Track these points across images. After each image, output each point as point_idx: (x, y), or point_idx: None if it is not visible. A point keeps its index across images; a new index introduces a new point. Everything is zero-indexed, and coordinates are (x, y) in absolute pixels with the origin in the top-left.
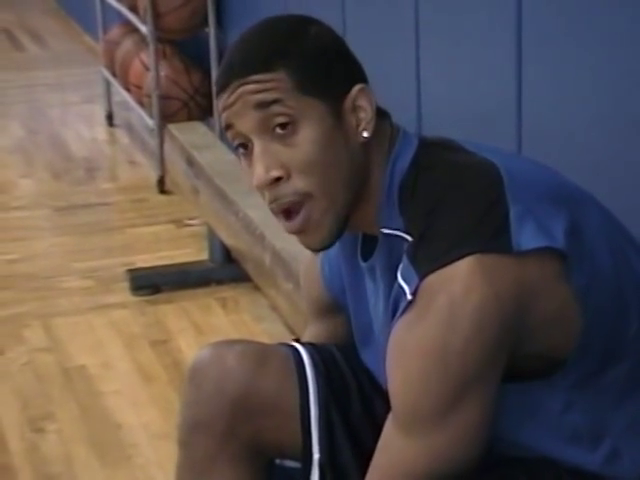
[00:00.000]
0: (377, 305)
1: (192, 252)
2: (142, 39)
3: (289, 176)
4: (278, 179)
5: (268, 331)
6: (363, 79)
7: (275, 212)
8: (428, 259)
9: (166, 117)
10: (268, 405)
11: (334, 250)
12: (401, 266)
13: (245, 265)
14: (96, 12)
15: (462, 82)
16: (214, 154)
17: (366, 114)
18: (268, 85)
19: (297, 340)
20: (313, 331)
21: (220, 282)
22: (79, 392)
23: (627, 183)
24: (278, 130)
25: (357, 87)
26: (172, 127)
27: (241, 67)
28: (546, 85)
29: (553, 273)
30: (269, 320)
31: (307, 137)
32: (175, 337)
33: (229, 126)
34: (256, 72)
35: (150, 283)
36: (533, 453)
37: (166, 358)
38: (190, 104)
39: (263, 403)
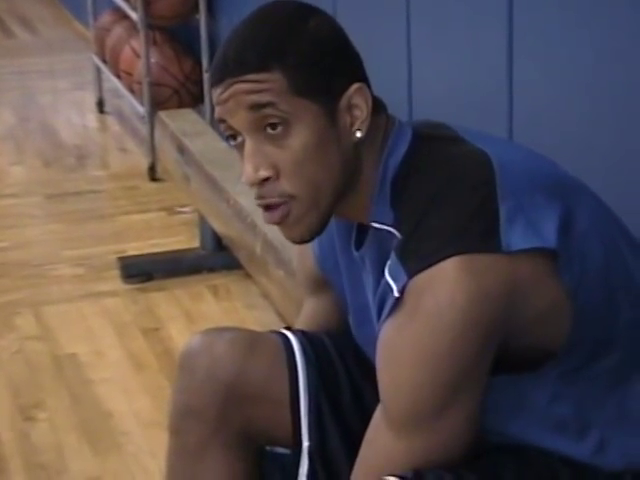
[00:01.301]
0: (369, 293)
1: (183, 240)
2: (133, 26)
3: (277, 177)
4: (266, 179)
5: (259, 319)
6: (361, 75)
7: (258, 205)
8: (416, 258)
9: (157, 104)
10: (258, 392)
11: (328, 231)
12: (389, 262)
13: (236, 253)
14: None
15: (453, 66)
16: (205, 141)
17: (361, 113)
18: (262, 86)
19: (288, 328)
20: (308, 307)
21: (212, 270)
22: (70, 380)
23: (621, 169)
24: (270, 130)
25: (354, 86)
26: (163, 114)
27: (235, 64)
28: (538, 69)
29: (544, 271)
30: (260, 308)
31: (299, 139)
32: (166, 325)
33: (222, 120)
34: (250, 71)
35: (141, 271)
36: (522, 443)
37: (157, 346)
38: (181, 91)
39: (253, 390)
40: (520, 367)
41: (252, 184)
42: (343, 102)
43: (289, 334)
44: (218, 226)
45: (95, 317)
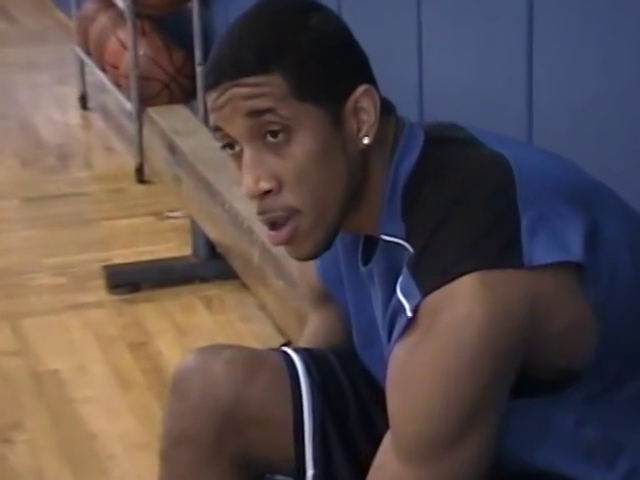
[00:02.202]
0: (377, 310)
1: (174, 247)
2: (119, 15)
3: (280, 189)
4: (268, 191)
5: (256, 332)
6: (368, 76)
7: (261, 221)
8: (431, 274)
9: (145, 100)
10: (258, 417)
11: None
12: (401, 279)
13: (231, 261)
14: None
15: (467, 63)
16: (198, 140)
17: (369, 117)
18: (261, 90)
19: (289, 344)
20: (313, 323)
21: (204, 279)
22: (51, 399)
23: None
24: (270, 138)
25: (361, 88)
26: (152, 111)
27: (232, 67)
28: (559, 67)
29: (568, 287)
30: (257, 321)
31: (302, 147)
32: (155, 339)
33: (217, 128)
34: (248, 74)
35: (128, 280)
36: (548, 472)
37: (145, 362)
38: (171, 86)
39: (253, 414)
40: (543, 389)
41: (253, 197)
42: (349, 105)
43: (292, 353)
44: (212, 232)
45: (78, 330)
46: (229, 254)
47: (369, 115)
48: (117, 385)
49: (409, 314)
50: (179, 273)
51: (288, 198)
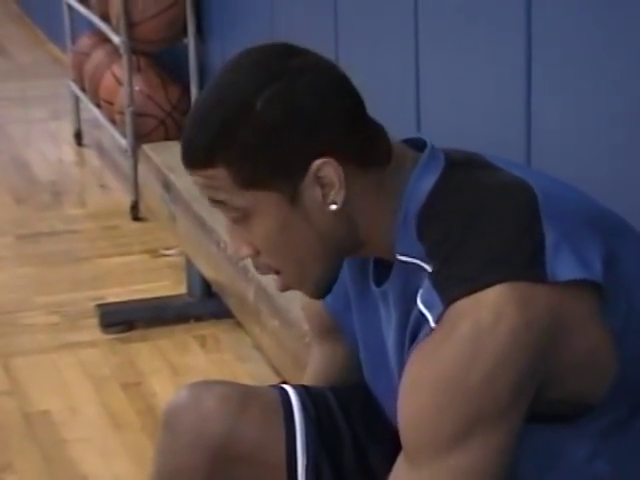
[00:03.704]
0: (388, 334)
1: (169, 285)
2: (114, 50)
3: (258, 253)
4: (250, 255)
5: (252, 372)
6: (332, 140)
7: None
8: (454, 284)
9: (140, 136)
10: (251, 453)
11: None
12: (421, 291)
13: (227, 300)
14: (64, 20)
15: (465, 93)
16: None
17: (332, 185)
18: (212, 183)
19: (285, 382)
20: (316, 357)
21: (199, 318)
22: (42, 440)
23: None
24: (235, 219)
25: (317, 163)
26: (147, 147)
27: (186, 158)
28: (559, 98)
29: (589, 308)
30: (253, 360)
31: (260, 229)
32: (149, 379)
33: None
34: (198, 168)
35: (122, 319)
36: None
37: (139, 402)
38: (167, 122)
39: (246, 450)
40: (558, 417)
41: (238, 260)
42: (308, 179)
43: (288, 388)
44: (207, 270)
45: (70, 370)
46: (224, 293)
47: (332, 183)
48: (110, 426)
49: (432, 325)
50: (174, 312)
51: (267, 261)
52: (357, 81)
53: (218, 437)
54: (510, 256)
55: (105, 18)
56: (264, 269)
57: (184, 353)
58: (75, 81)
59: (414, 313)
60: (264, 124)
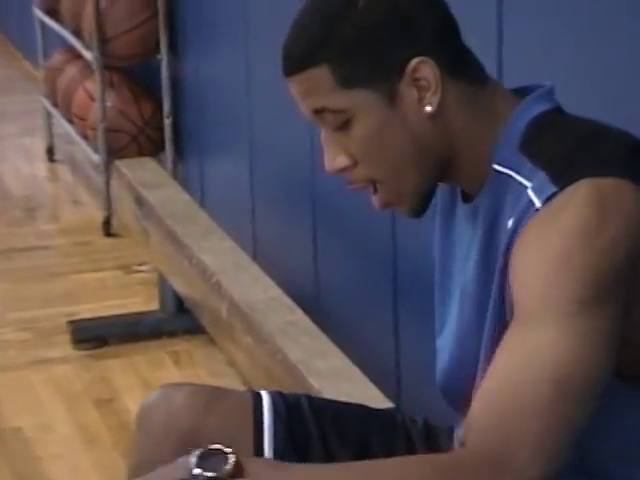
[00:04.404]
0: (469, 255)
1: (141, 301)
2: (87, 66)
3: (355, 164)
4: (346, 168)
5: (221, 387)
6: (431, 42)
7: (353, 190)
8: (568, 173)
9: (113, 152)
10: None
11: None
12: (530, 184)
13: (200, 316)
14: (36, 36)
15: None
16: (166, 193)
17: (428, 86)
18: (312, 85)
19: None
20: None
21: (172, 334)
22: (14, 457)
23: None
24: (334, 126)
25: (414, 61)
26: (120, 163)
27: (287, 62)
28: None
29: None
30: (226, 376)
31: (361, 129)
32: (122, 395)
33: None
34: (299, 70)
35: (95, 335)
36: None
37: (112, 419)
38: (140, 138)
39: (213, 444)
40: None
41: (332, 173)
42: (406, 79)
43: (262, 391)
44: (180, 286)
45: (43, 387)
46: (197, 309)
47: (428, 84)
48: (82, 443)
49: (538, 205)
50: (146, 328)
51: (364, 171)
52: None
53: (187, 429)
54: (628, 161)
55: (78, 34)
56: (360, 182)
57: (157, 369)
58: (48, 97)
59: (503, 225)
60: (365, 20)
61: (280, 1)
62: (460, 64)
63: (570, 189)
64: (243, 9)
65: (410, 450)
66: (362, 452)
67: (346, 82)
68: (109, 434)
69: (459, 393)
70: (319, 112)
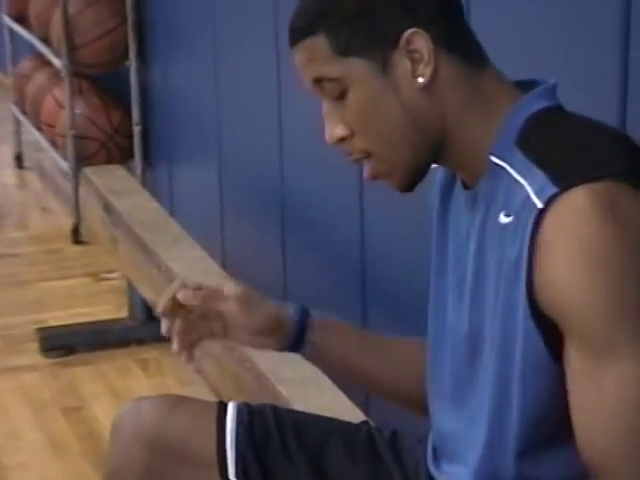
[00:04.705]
0: (468, 239)
1: (110, 309)
2: (56, 73)
3: (352, 134)
4: (344, 138)
5: (193, 396)
6: (426, 15)
7: (349, 162)
8: (569, 173)
9: (82, 159)
10: (183, 450)
11: None
12: (527, 182)
13: None
14: (5, 43)
15: None
16: (134, 201)
17: (421, 58)
18: (311, 54)
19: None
20: None
21: (141, 342)
22: None
23: None
24: (333, 94)
25: (408, 32)
26: (88, 170)
27: (290, 32)
28: None
29: None
30: (194, 384)
31: (356, 98)
32: (90, 403)
33: None
34: (300, 38)
35: (63, 343)
36: None
37: (80, 427)
38: (109, 145)
39: (178, 448)
40: None
41: (332, 143)
42: (400, 50)
43: (229, 402)
44: (148, 294)
45: (10, 394)
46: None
47: (421, 56)
48: (50, 451)
49: (540, 206)
50: (115, 335)
51: (360, 142)
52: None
53: (153, 431)
54: (623, 162)
55: (46, 41)
56: (356, 153)
57: (125, 377)
58: (16, 104)
59: (495, 216)
60: None
61: (247, 9)
62: (458, 42)
63: (574, 194)
64: (210, 16)
65: (374, 456)
66: (320, 455)
67: (343, 51)
68: (77, 442)
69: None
70: (318, 82)
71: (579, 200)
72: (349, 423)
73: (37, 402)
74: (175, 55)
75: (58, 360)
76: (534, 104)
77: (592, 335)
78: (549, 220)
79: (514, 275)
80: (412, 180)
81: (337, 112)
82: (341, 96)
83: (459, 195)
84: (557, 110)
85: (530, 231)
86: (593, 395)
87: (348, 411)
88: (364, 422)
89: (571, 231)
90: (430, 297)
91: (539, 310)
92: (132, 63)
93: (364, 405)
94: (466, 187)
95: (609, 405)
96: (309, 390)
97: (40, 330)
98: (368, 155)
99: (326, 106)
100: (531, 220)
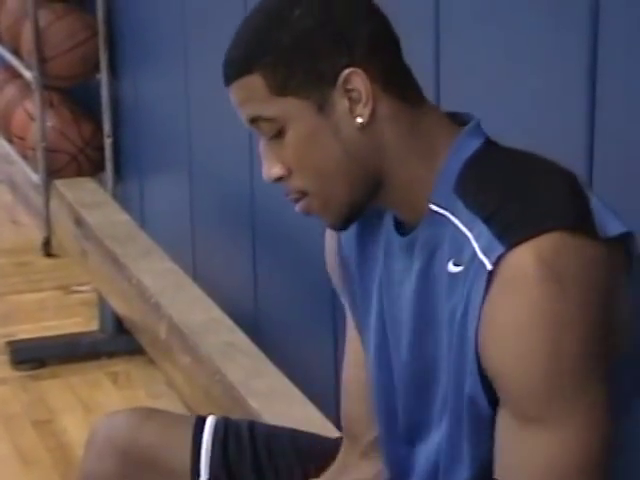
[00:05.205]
0: (403, 285)
1: (81, 321)
2: (27, 86)
3: (290, 173)
4: (281, 177)
5: (164, 409)
6: (364, 53)
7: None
8: (514, 230)
9: (53, 172)
10: (155, 458)
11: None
12: (473, 237)
13: (139, 336)
14: None
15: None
16: (105, 214)
17: (359, 97)
18: (247, 94)
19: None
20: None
21: (111, 355)
22: None
23: None
24: (269, 134)
25: (346, 71)
26: (59, 183)
27: (225, 69)
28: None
29: (624, 266)
30: (165, 397)
31: (293, 138)
32: (60, 416)
33: None
34: (235, 77)
35: (33, 356)
36: None
37: (50, 440)
38: (79, 158)
39: (150, 456)
40: None
41: (269, 182)
42: (338, 89)
43: (209, 416)
44: (119, 307)
45: None
46: (136, 329)
47: (359, 95)
48: (20, 464)
49: (489, 267)
50: (85, 348)
51: (296, 182)
52: None
53: (125, 441)
54: (565, 208)
55: (17, 53)
56: (294, 193)
57: (96, 390)
58: None
59: (441, 265)
60: (299, 29)
61: (219, 22)
62: (395, 80)
63: (518, 254)
64: (181, 30)
65: None
66: (292, 472)
67: (279, 90)
68: (47, 455)
69: (389, 414)
70: (255, 121)
71: (523, 260)
72: (327, 438)
73: (7, 415)
74: (146, 68)
75: (28, 373)
76: (469, 145)
77: (522, 405)
78: (497, 282)
79: (463, 330)
80: (347, 219)
81: (274, 151)
82: (279, 134)
83: (391, 239)
84: (491, 148)
85: (482, 294)
86: (518, 458)
87: (319, 423)
88: (341, 437)
89: (514, 294)
90: (361, 334)
91: (483, 369)
92: (103, 76)
93: (336, 417)
94: (399, 229)
95: (533, 470)
96: (279, 402)
97: (10, 343)
98: (304, 194)
99: (263, 145)
100: (483, 280)
